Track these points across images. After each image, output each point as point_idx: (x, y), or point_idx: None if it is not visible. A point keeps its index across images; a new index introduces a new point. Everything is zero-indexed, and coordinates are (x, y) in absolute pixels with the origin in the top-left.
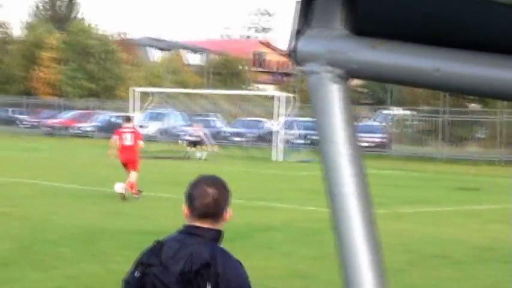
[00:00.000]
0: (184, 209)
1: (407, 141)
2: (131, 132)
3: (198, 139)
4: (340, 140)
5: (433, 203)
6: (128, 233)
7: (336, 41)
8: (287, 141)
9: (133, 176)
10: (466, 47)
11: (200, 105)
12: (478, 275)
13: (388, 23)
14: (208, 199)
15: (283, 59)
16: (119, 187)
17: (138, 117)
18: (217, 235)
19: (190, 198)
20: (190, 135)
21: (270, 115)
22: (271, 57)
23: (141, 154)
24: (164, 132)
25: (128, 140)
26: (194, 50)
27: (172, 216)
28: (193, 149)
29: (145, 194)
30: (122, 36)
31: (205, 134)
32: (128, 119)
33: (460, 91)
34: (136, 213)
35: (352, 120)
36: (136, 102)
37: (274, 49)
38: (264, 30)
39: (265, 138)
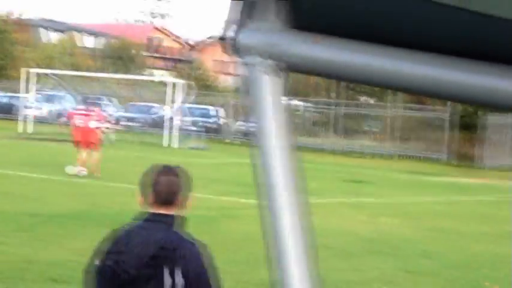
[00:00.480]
0: (139, 196)
1: (298, 132)
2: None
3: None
4: (274, 131)
5: (320, 194)
6: (19, 215)
7: (276, 35)
8: (180, 128)
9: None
10: (401, 44)
11: (93, 88)
12: (365, 267)
13: (328, 19)
14: (171, 186)
15: (179, 45)
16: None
17: (30, 98)
18: (181, 220)
19: (153, 186)
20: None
21: (163, 101)
22: (168, 43)
23: (33, 136)
24: (56, 114)
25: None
26: (89, 32)
27: (60, 198)
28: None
29: (35, 176)
30: (16, 16)
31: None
32: None
33: (396, 88)
34: (25, 195)
35: (287, 112)
36: (30, 84)
37: (170, 35)
38: (161, 16)
39: (158, 124)
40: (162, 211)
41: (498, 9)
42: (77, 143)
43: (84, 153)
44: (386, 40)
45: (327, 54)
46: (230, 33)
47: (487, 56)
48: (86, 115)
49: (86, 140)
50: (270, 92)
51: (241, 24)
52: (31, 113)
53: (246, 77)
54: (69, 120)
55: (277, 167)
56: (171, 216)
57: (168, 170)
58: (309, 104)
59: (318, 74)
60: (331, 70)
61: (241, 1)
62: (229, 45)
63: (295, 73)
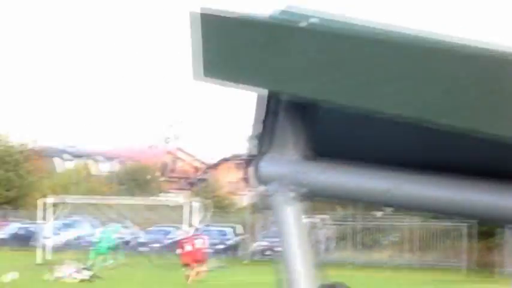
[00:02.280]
0: None
1: (317, 248)
2: None
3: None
4: (299, 252)
5: None
6: None
7: (295, 164)
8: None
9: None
10: (416, 168)
11: (109, 214)
12: None
13: (343, 146)
14: None
15: (193, 166)
16: None
17: (48, 227)
18: None
19: None
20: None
21: (180, 223)
22: (182, 164)
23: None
24: (75, 241)
25: None
26: (103, 158)
27: None
28: None
29: None
30: (30, 146)
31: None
32: None
33: (411, 209)
34: None
35: (308, 235)
36: (46, 213)
37: (184, 157)
38: (175, 137)
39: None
40: None
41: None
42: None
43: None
44: (398, 164)
45: (344, 180)
46: (252, 162)
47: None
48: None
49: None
50: (291, 218)
51: (261, 153)
52: (49, 242)
53: (268, 203)
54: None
55: (305, 283)
56: None
57: None
58: (326, 219)
59: (336, 198)
60: (349, 195)
61: (262, 131)
62: (251, 173)
63: (315, 198)
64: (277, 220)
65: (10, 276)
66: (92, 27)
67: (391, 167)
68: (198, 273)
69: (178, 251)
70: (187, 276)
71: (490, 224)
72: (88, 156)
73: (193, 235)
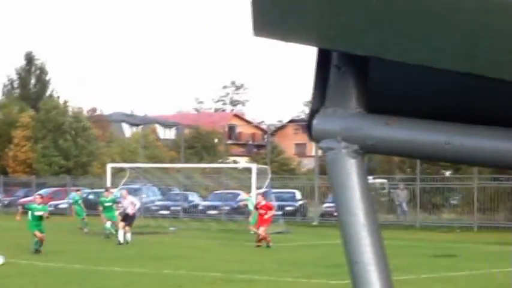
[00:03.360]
0: None
1: (383, 210)
2: None
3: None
4: (359, 212)
5: (410, 271)
6: None
7: (350, 119)
8: None
9: None
10: (475, 121)
11: (176, 179)
12: None
13: (400, 100)
14: None
15: (256, 130)
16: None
17: (116, 193)
18: None
19: None
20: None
21: (245, 187)
22: (244, 129)
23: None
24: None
25: None
26: (167, 124)
27: None
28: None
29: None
30: (94, 112)
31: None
32: None
33: (471, 163)
34: None
35: (368, 192)
36: (112, 178)
37: (247, 121)
38: (237, 102)
39: (241, 210)
40: None
41: None
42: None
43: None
44: (457, 117)
45: (401, 135)
46: (307, 118)
47: None
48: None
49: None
50: (353, 173)
51: (316, 109)
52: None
53: (327, 161)
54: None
55: (365, 245)
56: None
57: None
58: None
59: (394, 154)
60: (406, 150)
61: (315, 88)
62: (307, 130)
63: (372, 153)
64: (331, 177)
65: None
66: None
67: (449, 121)
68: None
69: (259, 212)
70: (263, 239)
71: None
72: (154, 122)
73: (264, 199)
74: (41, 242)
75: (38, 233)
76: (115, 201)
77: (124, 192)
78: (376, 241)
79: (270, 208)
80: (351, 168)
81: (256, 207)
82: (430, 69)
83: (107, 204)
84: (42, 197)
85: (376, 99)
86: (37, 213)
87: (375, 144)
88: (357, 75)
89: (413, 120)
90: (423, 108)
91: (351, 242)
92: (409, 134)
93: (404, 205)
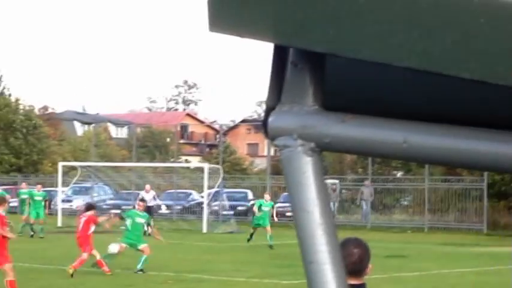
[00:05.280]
0: None
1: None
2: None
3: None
4: (315, 210)
5: None
6: None
7: (306, 116)
8: (215, 213)
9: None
10: (433, 120)
11: (127, 178)
12: None
13: (357, 97)
14: (355, 257)
15: (208, 130)
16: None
17: (67, 191)
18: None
19: (346, 258)
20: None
21: (197, 187)
22: (196, 128)
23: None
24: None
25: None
26: (119, 123)
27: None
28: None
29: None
30: (46, 110)
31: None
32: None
33: (427, 162)
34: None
35: (325, 191)
36: (64, 176)
37: (199, 121)
38: (189, 102)
39: (193, 210)
40: (352, 281)
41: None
42: None
43: None
44: (414, 115)
45: (358, 132)
46: (263, 116)
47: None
48: None
49: None
50: (309, 171)
51: (272, 107)
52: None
53: (282, 158)
54: None
55: (320, 244)
56: (362, 285)
57: (358, 243)
58: (345, 182)
59: (350, 152)
60: (362, 148)
61: (271, 85)
62: (263, 127)
63: (328, 151)
64: (287, 175)
65: None
66: None
67: (406, 119)
68: None
69: None
70: None
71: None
72: (106, 120)
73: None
74: None
75: None
76: (45, 197)
77: (148, 186)
78: (331, 240)
79: None
80: (306, 167)
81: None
82: (388, 66)
83: (36, 198)
84: None
85: (333, 96)
86: None
87: (331, 142)
88: (313, 72)
89: (370, 118)
90: (381, 106)
91: (307, 241)
92: (366, 132)
93: (368, 203)
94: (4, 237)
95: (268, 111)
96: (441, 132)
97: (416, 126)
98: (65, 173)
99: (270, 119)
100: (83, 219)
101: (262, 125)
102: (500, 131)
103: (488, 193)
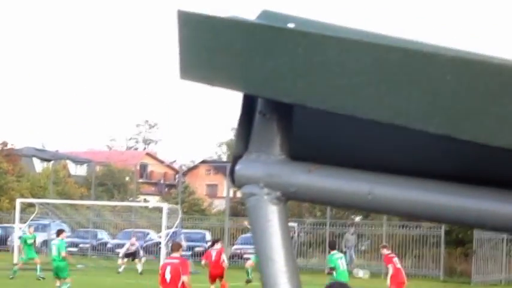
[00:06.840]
0: None
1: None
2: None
3: (134, 251)
4: (279, 258)
5: None
6: None
7: (273, 165)
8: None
9: None
10: (397, 171)
11: (85, 216)
12: None
13: (322, 148)
14: None
15: (167, 170)
16: None
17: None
18: None
19: None
20: (128, 248)
21: (155, 226)
22: (156, 168)
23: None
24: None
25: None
26: (78, 160)
27: None
28: (124, 260)
29: None
30: (5, 146)
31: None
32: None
33: (391, 213)
34: None
35: (289, 239)
36: (21, 213)
37: (159, 160)
38: (150, 141)
39: (151, 250)
40: None
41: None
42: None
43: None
44: (379, 167)
45: (323, 182)
46: (230, 164)
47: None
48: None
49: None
50: (274, 220)
51: (239, 155)
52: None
53: (246, 205)
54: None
55: None
56: None
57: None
58: (303, 225)
59: (315, 202)
60: (327, 198)
61: (238, 133)
62: (230, 175)
63: (293, 201)
64: (252, 223)
65: None
66: (68, 24)
67: (372, 170)
68: None
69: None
70: None
71: (476, 227)
72: (65, 158)
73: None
74: None
75: None
76: (35, 239)
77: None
78: (295, 287)
79: None
80: (272, 215)
81: None
82: (353, 118)
83: (29, 241)
84: None
85: (300, 146)
86: None
87: (296, 191)
88: (281, 122)
89: (336, 168)
90: (347, 157)
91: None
92: (331, 183)
93: (352, 252)
94: None
95: (236, 159)
96: (406, 184)
97: (381, 178)
98: (22, 210)
99: (237, 167)
100: None
101: (229, 173)
102: (465, 185)
103: (445, 240)
